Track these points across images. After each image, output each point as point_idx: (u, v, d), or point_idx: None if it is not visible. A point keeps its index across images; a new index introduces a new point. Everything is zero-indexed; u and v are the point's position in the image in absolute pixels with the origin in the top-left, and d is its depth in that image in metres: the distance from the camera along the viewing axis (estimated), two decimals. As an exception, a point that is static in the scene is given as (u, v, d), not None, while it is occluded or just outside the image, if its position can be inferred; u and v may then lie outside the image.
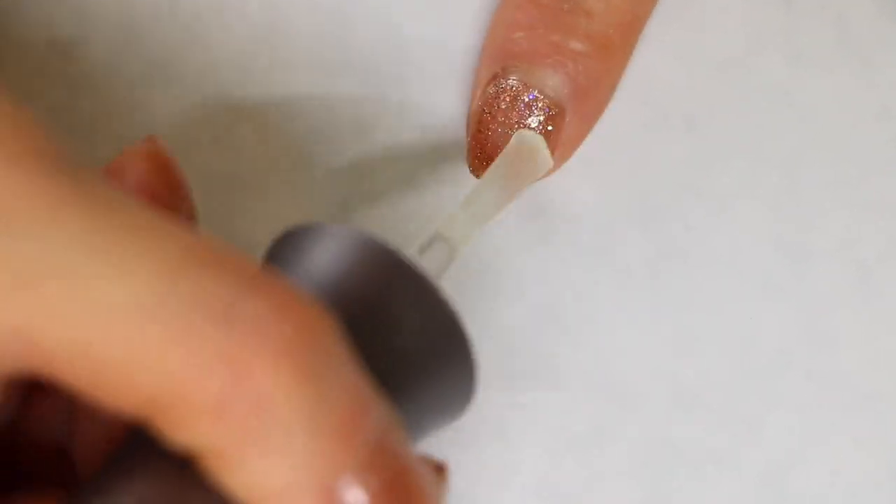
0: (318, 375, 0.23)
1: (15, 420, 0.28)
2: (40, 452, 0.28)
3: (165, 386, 0.23)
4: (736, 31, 0.37)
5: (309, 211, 0.36)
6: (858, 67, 0.37)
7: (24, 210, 0.23)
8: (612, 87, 0.36)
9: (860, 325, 0.36)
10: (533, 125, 0.35)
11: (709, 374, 0.35)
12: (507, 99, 0.35)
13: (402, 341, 0.29)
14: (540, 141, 0.35)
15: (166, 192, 0.29)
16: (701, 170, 0.36)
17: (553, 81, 0.35)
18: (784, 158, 0.37)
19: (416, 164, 0.36)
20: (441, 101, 0.37)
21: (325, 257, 0.29)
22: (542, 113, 0.35)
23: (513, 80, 0.35)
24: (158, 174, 0.30)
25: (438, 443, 0.34)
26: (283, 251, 0.30)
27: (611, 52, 0.35)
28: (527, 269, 0.36)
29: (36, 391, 0.28)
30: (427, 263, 0.32)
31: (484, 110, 0.35)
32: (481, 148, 0.35)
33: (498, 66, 0.35)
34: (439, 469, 0.28)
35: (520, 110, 0.35)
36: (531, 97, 0.35)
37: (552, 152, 0.35)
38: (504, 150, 0.34)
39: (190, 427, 0.23)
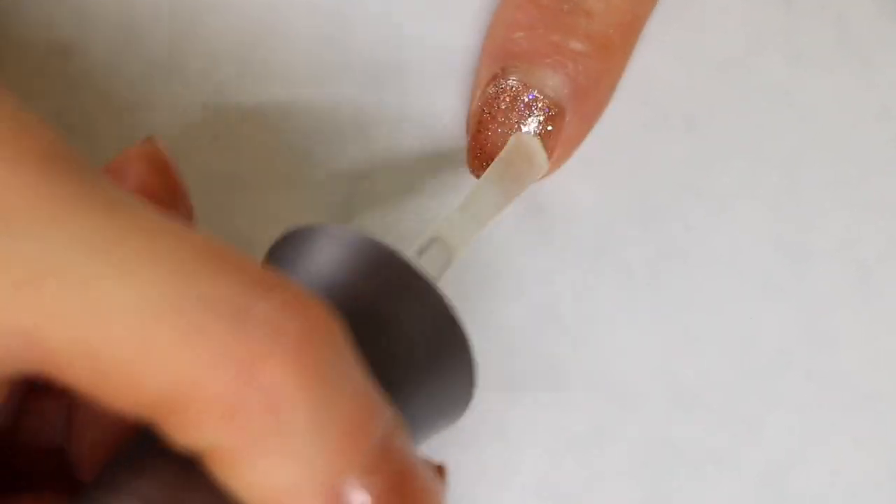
0: (327, 377, 0.23)
1: (13, 421, 0.28)
2: (38, 454, 0.28)
3: (175, 386, 0.23)
4: (736, 31, 0.37)
5: (309, 211, 0.36)
6: (858, 67, 0.37)
7: (28, 210, 0.23)
8: (612, 87, 0.36)
9: (860, 325, 0.36)
10: (533, 125, 0.35)
11: (709, 374, 0.35)
12: (507, 99, 0.35)
13: (402, 343, 0.29)
14: (537, 143, 0.35)
15: (165, 194, 0.29)
16: (701, 170, 0.36)
17: (553, 81, 0.35)
18: (784, 158, 0.37)
19: (415, 164, 0.36)
20: (441, 101, 0.37)
21: (326, 258, 0.29)
22: (541, 113, 0.35)
23: (513, 81, 0.35)
24: (157, 175, 0.30)
25: (438, 443, 0.34)
26: (283, 252, 0.30)
27: (611, 52, 0.35)
28: (527, 269, 0.36)
29: (32, 393, 0.28)
30: (425, 266, 0.32)
31: (484, 110, 0.35)
32: (481, 148, 0.35)
33: (498, 66, 0.35)
34: (439, 470, 0.28)
35: (520, 110, 0.35)
36: (531, 97, 0.35)
37: (552, 152, 0.35)
38: (501, 153, 0.35)
39: (199, 427, 0.23)
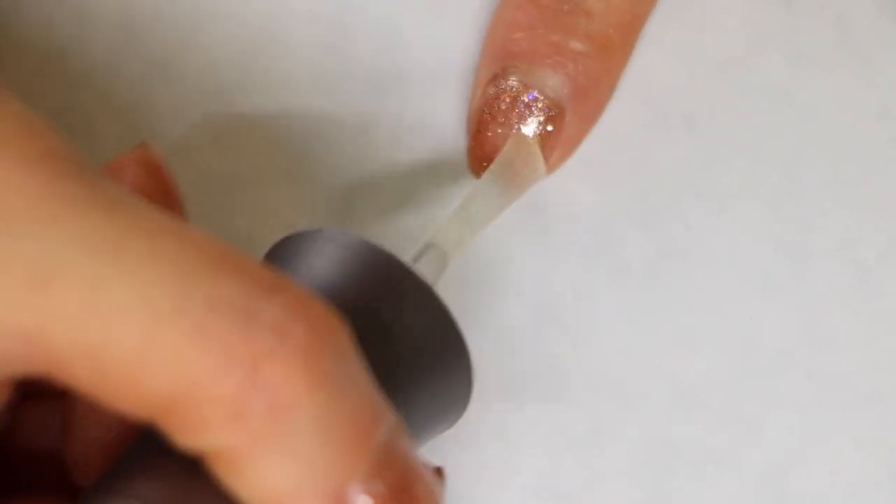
0: (332, 380, 0.23)
1: (10, 425, 0.28)
2: (37, 457, 0.28)
3: (179, 387, 0.23)
4: (736, 31, 0.37)
5: (309, 211, 0.36)
6: (858, 67, 0.37)
7: (29, 210, 0.23)
8: (612, 87, 0.36)
9: (860, 325, 0.36)
10: (533, 126, 0.35)
11: (709, 374, 0.35)
12: (507, 99, 0.35)
13: (400, 346, 0.29)
14: (534, 148, 0.35)
15: (159, 198, 0.29)
16: (701, 170, 0.36)
17: (553, 82, 0.35)
18: (784, 158, 0.37)
19: (416, 165, 0.36)
20: (441, 101, 0.37)
21: (324, 262, 0.29)
22: (541, 113, 0.35)
23: (513, 81, 0.35)
24: (151, 180, 0.30)
25: (439, 443, 0.34)
26: (281, 256, 0.30)
27: (611, 52, 0.35)
28: (527, 269, 0.36)
29: (27, 399, 0.28)
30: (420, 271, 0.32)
31: (484, 111, 0.35)
32: (481, 148, 0.35)
33: (498, 66, 0.35)
34: (437, 472, 0.28)
35: (520, 111, 0.35)
36: (531, 97, 0.35)
37: (552, 152, 0.35)
38: (497, 159, 0.34)
39: (203, 428, 0.23)
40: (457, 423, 0.31)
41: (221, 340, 0.23)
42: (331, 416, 0.23)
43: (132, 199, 0.24)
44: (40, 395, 0.28)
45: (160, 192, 0.29)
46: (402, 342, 0.29)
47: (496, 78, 0.35)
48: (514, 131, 0.35)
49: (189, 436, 0.23)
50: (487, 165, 0.35)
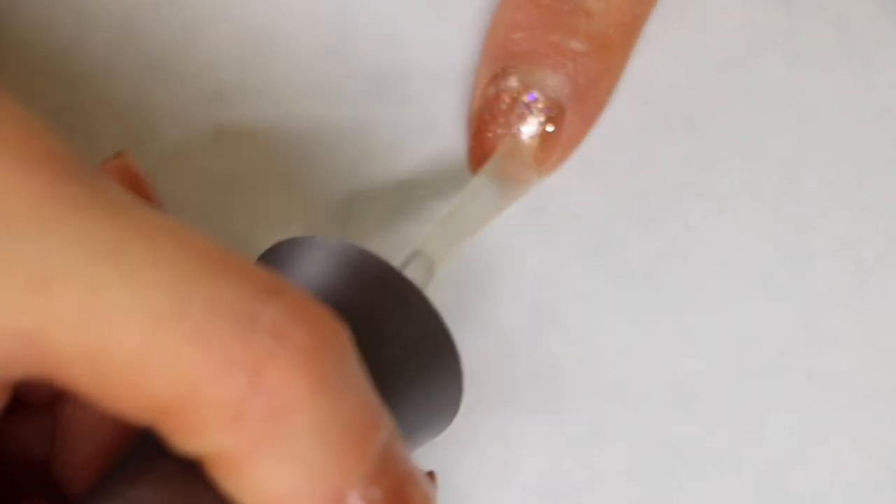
0: (332, 383, 0.23)
1: (1, 432, 0.28)
2: (26, 465, 0.28)
3: (179, 389, 0.23)
4: (736, 31, 0.37)
5: (308, 212, 0.36)
6: (858, 67, 0.37)
7: (29, 212, 0.23)
8: (611, 87, 0.36)
9: (860, 325, 0.36)
10: (533, 126, 0.35)
11: (709, 374, 0.35)
12: (507, 100, 0.35)
13: (392, 351, 0.29)
14: (526, 154, 0.35)
15: None
16: (701, 170, 0.36)
17: (553, 82, 0.35)
18: (784, 158, 0.37)
19: (416, 165, 0.36)
20: (441, 102, 0.37)
21: (316, 268, 0.29)
22: (542, 113, 0.35)
23: (513, 81, 0.35)
24: (130, 188, 0.30)
25: (439, 443, 0.34)
26: (272, 263, 0.30)
27: (611, 52, 0.35)
28: (527, 269, 0.36)
29: (15, 411, 0.28)
30: None
31: (484, 111, 0.35)
32: (482, 149, 0.35)
33: (498, 66, 0.35)
34: (430, 476, 0.28)
35: (520, 111, 0.35)
36: (531, 98, 0.35)
37: (552, 152, 0.35)
38: (487, 164, 0.34)
39: (203, 430, 0.23)
40: (446, 429, 0.31)
41: (222, 343, 0.23)
42: (330, 420, 0.23)
43: (132, 201, 0.24)
44: (27, 407, 0.28)
45: (141, 199, 0.29)
46: (395, 347, 0.29)
47: (496, 78, 0.35)
48: (514, 131, 0.35)
49: (188, 438, 0.23)
50: (488, 166, 0.35)
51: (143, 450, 0.25)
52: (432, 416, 0.30)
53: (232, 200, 0.36)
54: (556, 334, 0.35)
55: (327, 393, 0.23)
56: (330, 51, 0.37)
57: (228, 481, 0.24)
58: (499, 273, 0.36)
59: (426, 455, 0.34)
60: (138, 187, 0.30)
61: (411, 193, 0.36)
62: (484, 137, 0.35)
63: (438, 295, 0.35)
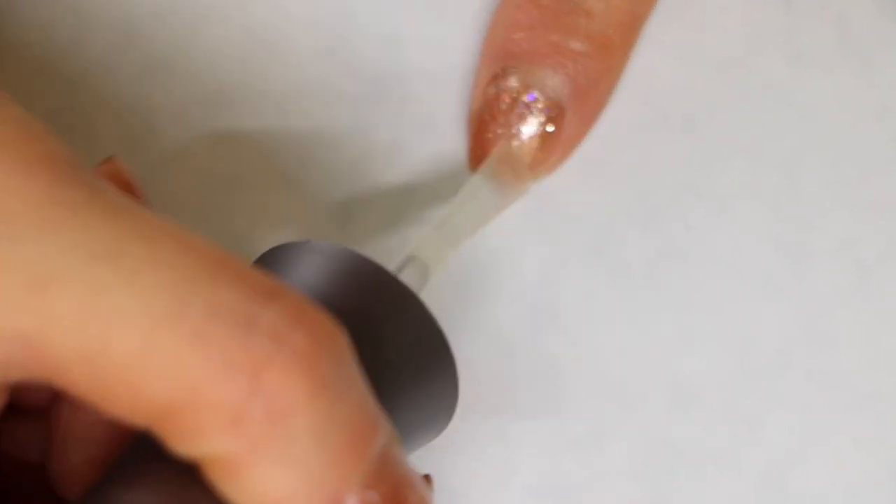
0: (331, 387, 0.23)
1: None
2: (21, 469, 0.28)
3: (180, 393, 0.23)
4: (736, 31, 0.37)
5: (308, 211, 0.36)
6: (858, 67, 0.37)
7: (29, 214, 0.23)
8: (611, 87, 0.36)
9: (860, 325, 0.36)
10: (533, 126, 0.35)
11: (709, 374, 0.35)
12: (508, 100, 0.35)
13: (389, 355, 0.29)
14: (520, 157, 0.35)
15: None
16: (701, 170, 0.36)
17: (553, 82, 0.35)
18: (784, 158, 0.37)
19: (416, 165, 0.36)
20: (441, 101, 0.37)
21: (312, 272, 0.29)
22: (542, 114, 0.35)
23: (513, 81, 0.35)
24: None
25: (439, 444, 0.34)
26: (269, 267, 0.30)
27: (611, 51, 0.35)
28: (527, 269, 0.36)
29: (12, 414, 0.28)
30: None
31: (484, 111, 0.35)
32: (482, 149, 0.35)
33: (498, 66, 0.35)
34: (426, 479, 0.28)
35: (520, 111, 0.35)
36: (531, 98, 0.35)
37: (552, 153, 0.35)
38: (481, 168, 0.34)
39: (202, 434, 0.23)
40: (442, 433, 0.31)
41: (221, 346, 0.23)
42: (329, 424, 0.23)
43: (131, 204, 0.24)
44: (24, 410, 0.28)
45: None
46: (391, 351, 0.29)
47: (496, 78, 0.35)
48: (514, 132, 0.35)
49: (186, 441, 0.23)
50: (488, 167, 0.35)
51: (139, 453, 0.25)
52: (428, 419, 0.30)
53: (232, 201, 0.36)
54: (556, 334, 0.35)
55: (326, 397, 0.23)
56: (330, 51, 0.37)
57: (226, 484, 0.24)
58: (499, 273, 0.36)
59: (427, 455, 0.34)
60: (128, 192, 0.30)
61: (411, 194, 0.36)
62: (484, 137, 0.35)
63: (438, 295, 0.35)
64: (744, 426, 0.35)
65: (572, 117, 0.35)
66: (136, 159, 0.36)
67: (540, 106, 0.35)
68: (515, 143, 0.35)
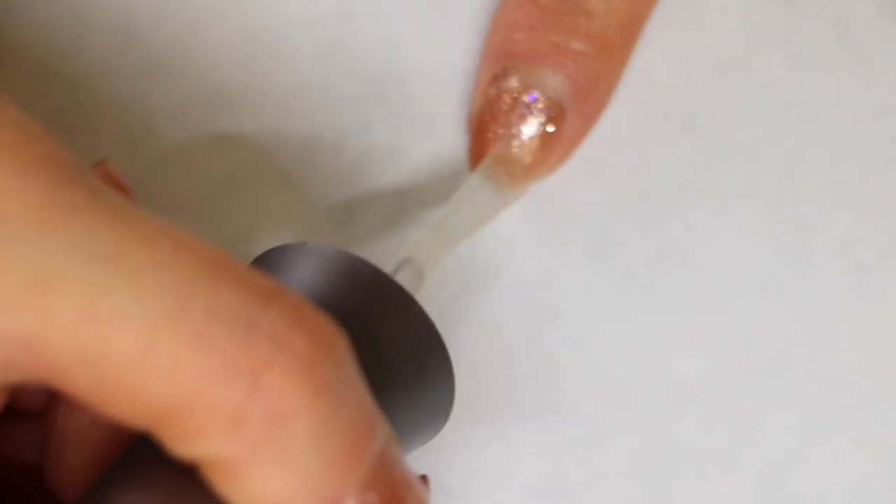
0: (331, 389, 0.23)
1: None
2: (19, 471, 0.28)
3: (180, 395, 0.23)
4: (736, 31, 0.37)
5: (308, 212, 0.36)
6: (858, 67, 0.37)
7: (29, 216, 0.23)
8: (612, 87, 0.36)
9: (860, 325, 0.36)
10: (533, 126, 0.35)
11: (709, 374, 0.35)
12: (508, 100, 0.35)
13: (386, 357, 0.29)
14: (518, 160, 0.35)
15: None
16: (701, 170, 0.36)
17: (553, 82, 0.35)
18: (784, 158, 0.37)
19: (416, 166, 0.36)
20: (441, 102, 0.37)
21: (309, 274, 0.29)
22: (542, 114, 0.35)
23: (513, 81, 0.35)
24: None
25: (440, 443, 0.34)
26: (266, 269, 0.30)
27: (611, 51, 0.35)
28: (527, 269, 0.36)
29: (9, 417, 0.28)
30: None
31: (484, 112, 0.35)
32: (482, 149, 0.35)
33: (498, 66, 0.35)
34: (423, 480, 0.28)
35: (520, 111, 0.35)
36: (531, 98, 0.35)
37: (553, 153, 0.35)
38: (478, 169, 0.34)
39: (202, 435, 0.23)
40: (438, 434, 0.31)
41: (221, 348, 0.23)
42: (328, 426, 0.23)
43: (131, 206, 0.24)
44: (22, 412, 0.28)
45: None
46: (389, 353, 0.29)
47: (497, 78, 0.35)
48: (514, 132, 0.35)
49: (186, 443, 0.23)
50: (488, 166, 0.35)
51: (137, 454, 0.25)
52: (426, 419, 0.30)
53: (231, 201, 0.36)
54: (556, 334, 0.35)
55: (326, 399, 0.23)
56: (329, 52, 0.37)
57: (225, 486, 0.24)
58: (498, 273, 0.36)
59: (427, 455, 0.34)
60: (122, 193, 0.30)
61: (411, 194, 0.36)
62: (484, 138, 0.35)
63: (438, 295, 0.35)
64: (744, 426, 0.35)
65: (573, 117, 0.35)
66: (135, 159, 0.36)
67: (540, 106, 0.35)
68: (516, 143, 0.35)
